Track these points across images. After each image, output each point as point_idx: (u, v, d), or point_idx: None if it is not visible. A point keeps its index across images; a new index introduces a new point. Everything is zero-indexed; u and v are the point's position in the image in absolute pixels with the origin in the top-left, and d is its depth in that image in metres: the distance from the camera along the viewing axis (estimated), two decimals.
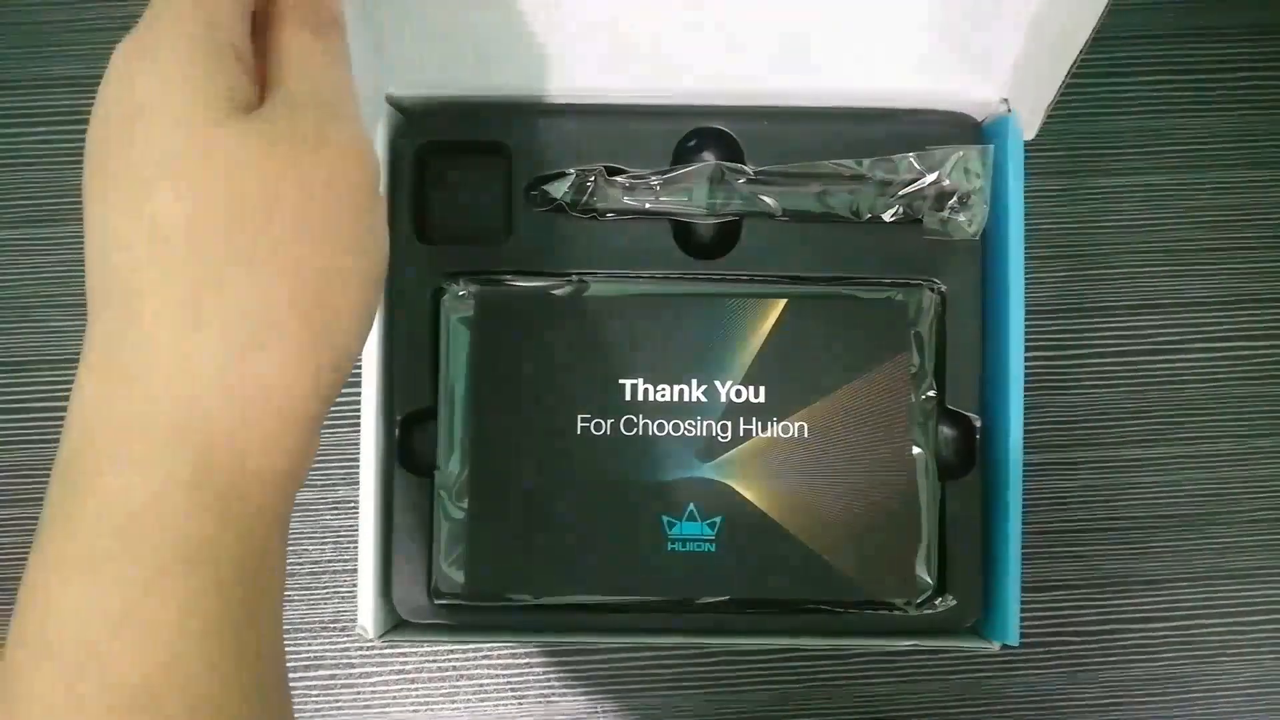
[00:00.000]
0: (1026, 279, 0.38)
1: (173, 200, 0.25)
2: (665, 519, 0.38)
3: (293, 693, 0.44)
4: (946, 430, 0.39)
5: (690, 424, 0.38)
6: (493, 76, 0.39)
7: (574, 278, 0.39)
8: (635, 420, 0.38)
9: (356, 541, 0.38)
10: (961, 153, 0.38)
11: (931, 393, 0.39)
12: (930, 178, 0.38)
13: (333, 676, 0.44)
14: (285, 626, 0.43)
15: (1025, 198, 0.38)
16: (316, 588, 0.44)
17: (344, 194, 0.27)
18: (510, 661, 0.44)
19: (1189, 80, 0.46)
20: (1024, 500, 0.38)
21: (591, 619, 0.38)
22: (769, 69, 0.38)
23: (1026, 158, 0.38)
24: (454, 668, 0.44)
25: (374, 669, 0.44)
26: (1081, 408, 0.45)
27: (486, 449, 0.38)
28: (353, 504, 0.44)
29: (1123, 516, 0.45)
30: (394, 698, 0.44)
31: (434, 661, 0.44)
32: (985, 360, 0.39)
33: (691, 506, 0.38)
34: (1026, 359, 0.38)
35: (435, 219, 0.40)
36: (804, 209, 0.39)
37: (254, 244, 0.25)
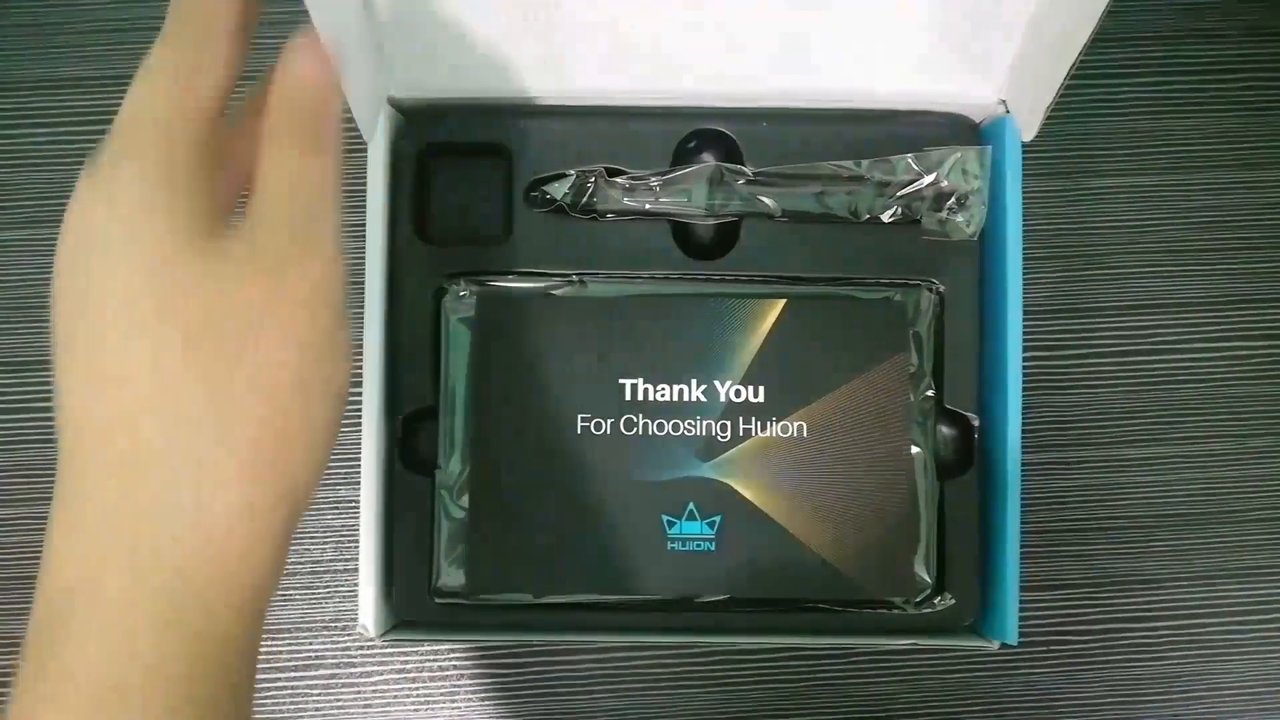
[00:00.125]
0: (1024, 279, 0.38)
1: (131, 343, 0.25)
2: (665, 518, 0.38)
3: (293, 692, 0.44)
4: (945, 430, 0.39)
5: (690, 424, 0.38)
6: (493, 78, 0.39)
7: (574, 278, 0.39)
8: (635, 420, 0.38)
9: (357, 541, 0.38)
10: (959, 154, 0.39)
11: (930, 392, 0.39)
12: (928, 179, 0.39)
13: (333, 675, 0.44)
14: (287, 625, 0.44)
15: (1023, 198, 0.38)
16: (317, 587, 0.44)
17: (309, 322, 0.27)
18: (510, 660, 0.44)
19: (1185, 82, 0.46)
20: (1022, 500, 0.38)
21: (591, 618, 0.38)
22: (768, 70, 0.38)
23: (1024, 159, 0.38)
24: (454, 667, 0.44)
25: (375, 668, 0.44)
26: (1079, 407, 0.45)
27: (487, 449, 0.38)
28: (354, 503, 0.44)
29: (1121, 516, 0.45)
30: (395, 697, 0.44)
31: (434, 660, 0.44)
32: (983, 360, 0.39)
33: (691, 506, 0.38)
34: (1024, 359, 0.38)
35: (436, 220, 0.40)
36: (803, 210, 0.39)
37: (215, 382, 0.25)
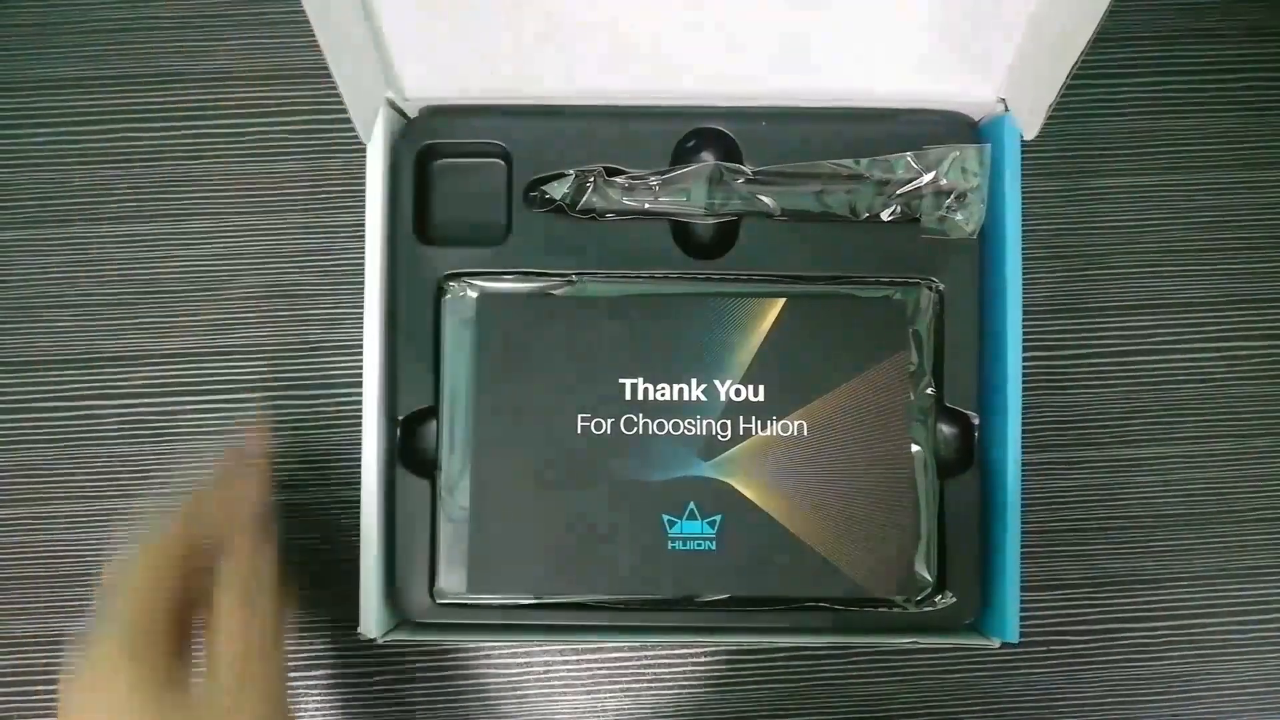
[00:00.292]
0: (1024, 279, 0.38)
1: None
2: (665, 518, 0.38)
3: (294, 693, 0.44)
4: (945, 428, 0.39)
5: (690, 423, 0.38)
6: (492, 78, 0.39)
7: (574, 278, 0.39)
8: (635, 419, 0.38)
9: (358, 541, 0.38)
10: (959, 152, 0.39)
11: (930, 391, 0.39)
12: (928, 177, 0.39)
13: (334, 676, 0.44)
14: (287, 626, 0.44)
15: (1022, 198, 0.38)
16: (318, 587, 0.44)
17: None
18: (511, 661, 0.44)
19: (1185, 81, 0.46)
20: (1022, 499, 0.38)
21: (592, 618, 0.38)
22: (768, 69, 0.39)
23: (1023, 158, 0.38)
24: (455, 667, 0.44)
25: (375, 668, 0.44)
26: (1079, 407, 0.45)
27: (487, 449, 0.38)
28: (354, 504, 0.44)
29: (1121, 515, 0.45)
30: (395, 697, 0.44)
31: (435, 661, 0.44)
32: (983, 358, 0.39)
33: (692, 505, 0.38)
34: (1024, 359, 0.38)
35: (436, 220, 0.41)
36: (802, 209, 0.39)
37: None
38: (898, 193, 0.39)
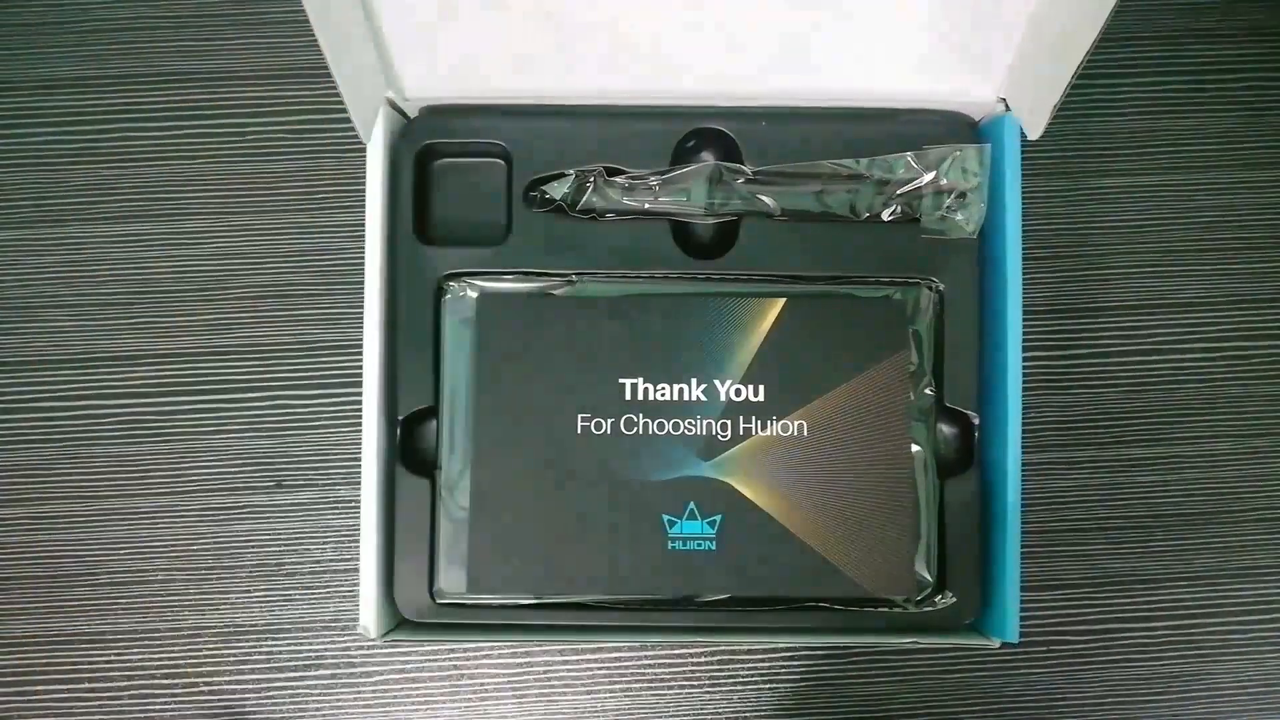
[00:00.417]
0: (1024, 278, 0.38)
1: None
2: (665, 518, 0.38)
3: (293, 692, 0.44)
4: (945, 428, 0.39)
5: (690, 423, 0.38)
6: (492, 78, 0.39)
7: (574, 278, 0.39)
8: (635, 419, 0.38)
9: (358, 541, 0.38)
10: (959, 152, 0.39)
11: (930, 391, 0.39)
12: (928, 177, 0.39)
13: (334, 676, 0.44)
14: (287, 625, 0.44)
15: (1023, 198, 0.38)
16: (317, 587, 0.44)
17: None
18: (511, 661, 0.44)
19: (1186, 81, 0.46)
20: (1022, 499, 0.38)
21: (592, 618, 0.38)
22: (768, 69, 0.39)
23: (1023, 158, 0.38)
24: (455, 667, 0.44)
25: (375, 668, 0.44)
26: (1079, 407, 0.45)
27: (487, 449, 0.38)
28: (354, 504, 0.44)
29: (1120, 515, 0.45)
30: (395, 697, 0.44)
31: (435, 660, 0.44)
32: (983, 358, 0.39)
33: (692, 505, 0.38)
34: (1025, 359, 0.38)
35: (435, 220, 0.41)
36: (802, 208, 0.39)
37: None
38: (898, 193, 0.39)
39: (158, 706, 0.44)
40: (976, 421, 0.39)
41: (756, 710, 0.44)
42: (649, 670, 0.44)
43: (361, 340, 0.38)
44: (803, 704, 0.44)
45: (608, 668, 0.44)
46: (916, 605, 0.38)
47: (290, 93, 0.45)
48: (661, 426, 0.38)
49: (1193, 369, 0.45)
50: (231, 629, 0.44)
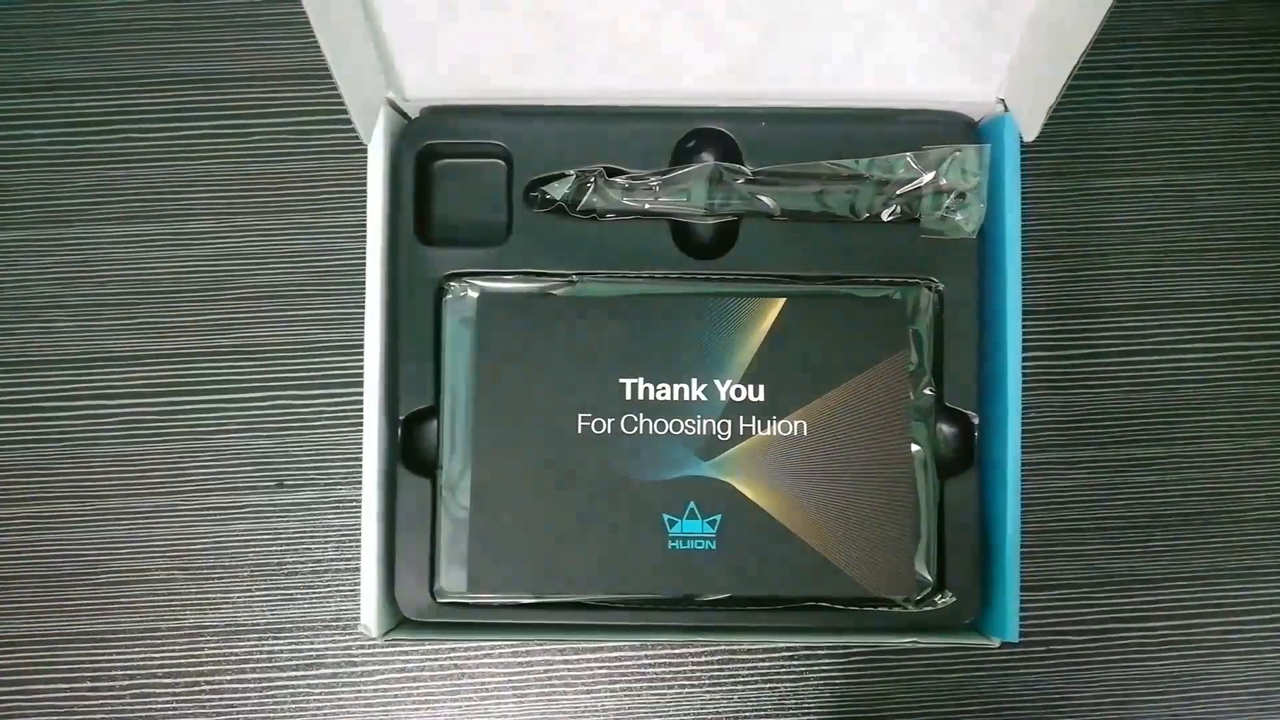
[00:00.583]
0: (1024, 279, 0.38)
1: None
2: (666, 517, 0.38)
3: (294, 691, 0.44)
4: (945, 428, 0.39)
5: (690, 423, 0.38)
6: (492, 78, 0.39)
7: (574, 278, 0.39)
8: (635, 419, 0.38)
9: (359, 541, 0.38)
10: (958, 152, 0.39)
11: (930, 390, 0.39)
12: (928, 177, 0.39)
13: (335, 675, 0.44)
14: (288, 625, 0.44)
15: (1022, 198, 0.38)
16: (318, 586, 0.44)
17: None
18: (512, 660, 0.44)
19: (1186, 81, 0.46)
20: (1022, 499, 0.38)
21: (592, 617, 0.38)
22: (768, 69, 0.39)
23: (1023, 158, 0.38)
24: (456, 666, 0.44)
25: (376, 667, 0.44)
26: (1079, 407, 0.45)
27: (488, 448, 0.38)
28: (355, 503, 0.44)
29: (1120, 515, 0.45)
30: (396, 696, 0.44)
31: (436, 660, 0.44)
32: (983, 358, 0.39)
33: (692, 505, 0.38)
34: (1025, 359, 0.38)
35: (436, 221, 0.41)
36: (802, 209, 0.39)
37: None
38: (898, 193, 0.39)
39: (158, 706, 0.44)
40: (976, 421, 0.39)
41: (756, 710, 0.44)
42: (649, 670, 0.44)
43: (362, 340, 0.38)
44: (802, 704, 0.44)
45: (608, 667, 0.44)
46: (916, 605, 0.38)
47: (292, 94, 0.46)
48: (661, 426, 0.38)
49: (1193, 369, 0.45)
50: (232, 629, 0.44)
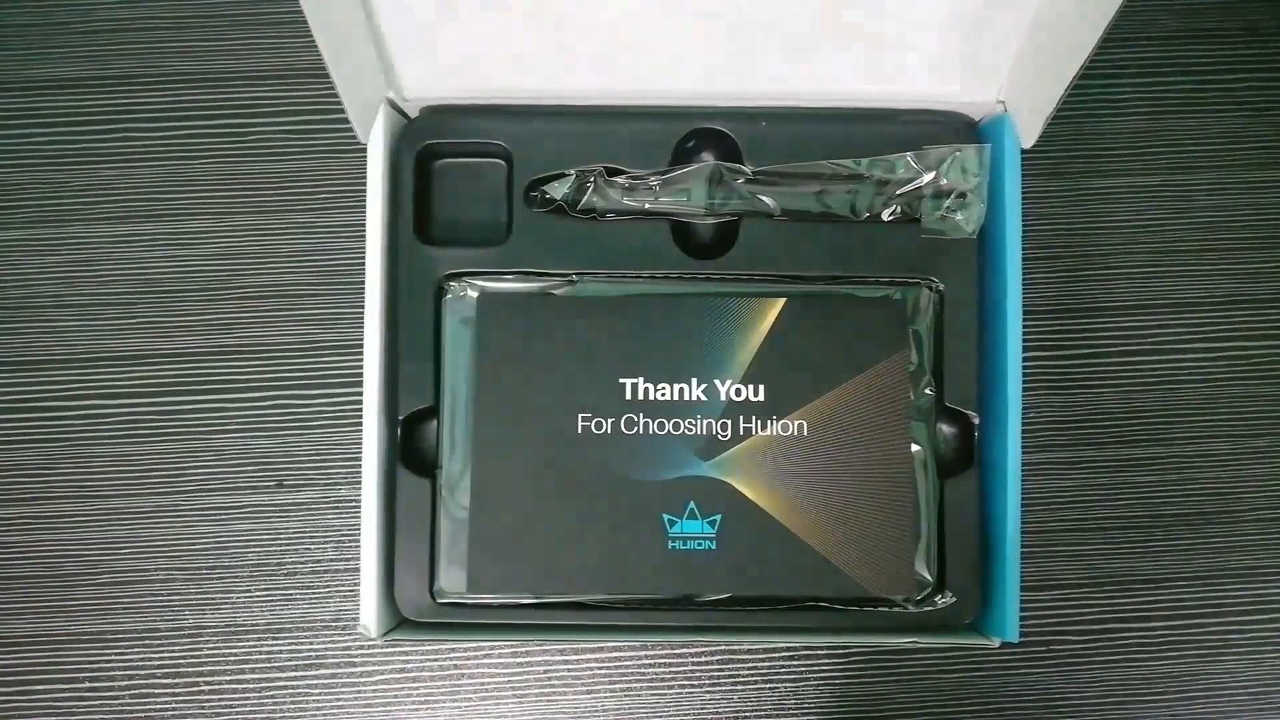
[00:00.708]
0: (1024, 278, 0.38)
1: None
2: (666, 517, 0.38)
3: (294, 691, 0.44)
4: (945, 428, 0.39)
5: (690, 423, 0.38)
6: (492, 78, 0.39)
7: (574, 278, 0.39)
8: (635, 419, 0.38)
9: (358, 541, 0.38)
10: (959, 152, 0.39)
11: (930, 390, 0.39)
12: (928, 177, 0.39)
13: (334, 675, 0.44)
14: (287, 625, 0.44)
15: (1023, 198, 0.38)
16: (318, 586, 0.44)
17: None
18: (511, 660, 0.44)
19: (1185, 82, 0.46)
20: (1022, 499, 0.38)
21: (592, 618, 0.38)
22: (768, 69, 0.39)
23: (1023, 158, 0.38)
24: (455, 666, 0.44)
25: (376, 668, 0.44)
26: (1079, 407, 0.45)
27: (488, 448, 0.38)
28: (355, 503, 0.44)
29: (1120, 515, 0.45)
30: (395, 696, 0.44)
31: (435, 660, 0.44)
32: (983, 358, 0.39)
33: (692, 505, 0.38)
34: (1025, 359, 0.38)
35: (436, 220, 0.41)
36: (802, 208, 0.39)
37: None
38: (898, 193, 0.39)
39: (158, 706, 0.44)
40: (976, 421, 0.39)
41: (756, 710, 0.44)
42: (649, 670, 0.44)
43: (362, 340, 0.38)
44: (803, 704, 0.44)
45: (608, 668, 0.44)
46: (916, 605, 0.38)
47: (292, 93, 0.46)
48: (662, 426, 0.38)
49: (1192, 369, 0.45)
50: (231, 629, 0.44)
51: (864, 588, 0.38)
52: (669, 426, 0.38)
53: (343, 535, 0.44)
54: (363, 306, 0.38)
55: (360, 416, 0.38)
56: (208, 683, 0.44)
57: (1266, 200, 0.46)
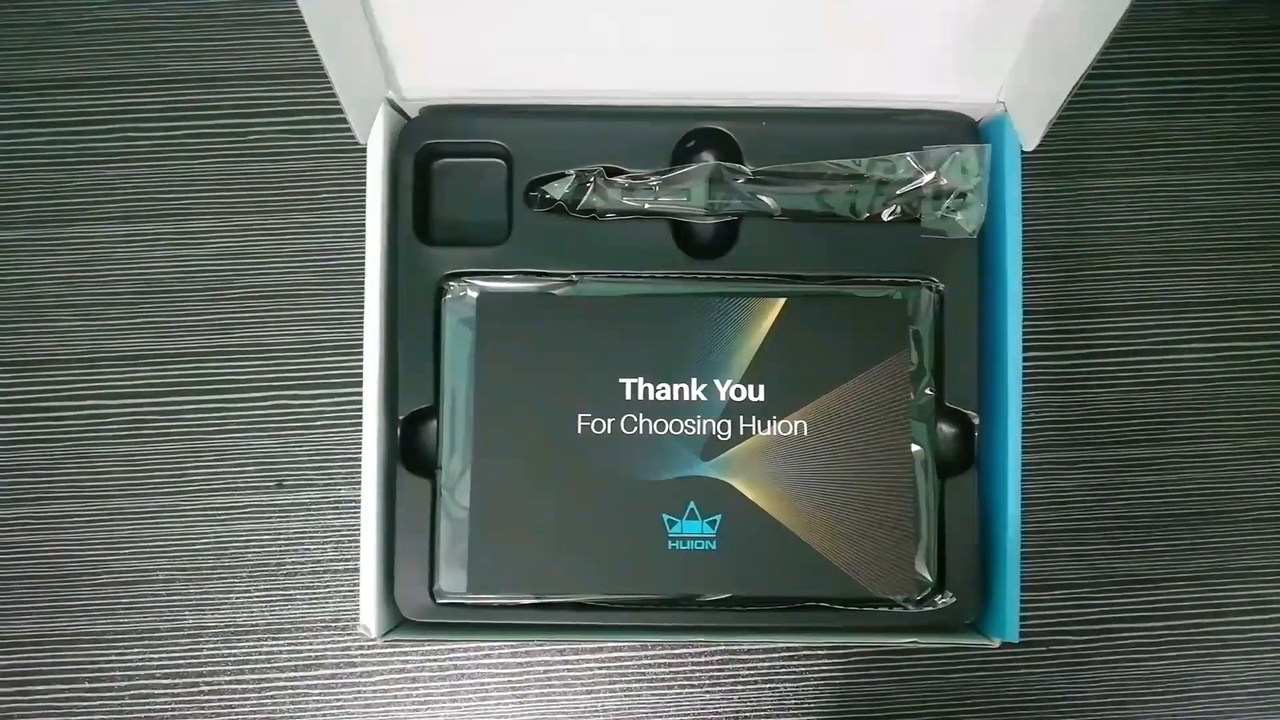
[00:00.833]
0: (1024, 278, 0.38)
1: None
2: (666, 518, 0.38)
3: (293, 691, 0.44)
4: (945, 428, 0.39)
5: (690, 423, 0.38)
6: (492, 78, 0.39)
7: (574, 278, 0.39)
8: (635, 419, 0.38)
9: (358, 541, 0.38)
10: (959, 152, 0.39)
11: (930, 390, 0.39)
12: (928, 177, 0.39)
13: (334, 675, 0.44)
14: (287, 625, 0.44)
15: (1022, 198, 0.38)
16: (318, 587, 0.44)
17: None
18: (511, 660, 0.44)
19: (1183, 82, 0.46)
20: (1022, 499, 0.38)
21: (592, 618, 0.38)
22: (768, 70, 0.39)
23: (1024, 159, 0.38)
24: (455, 667, 0.44)
25: (375, 668, 0.44)
26: (1079, 407, 0.45)
27: (487, 449, 0.38)
28: (355, 504, 0.44)
29: (1120, 515, 0.45)
30: (395, 697, 0.44)
31: (435, 660, 0.44)
32: (983, 358, 0.39)
33: (692, 505, 0.38)
34: (1025, 359, 0.38)
35: (436, 220, 0.41)
36: (802, 208, 0.39)
37: None
38: (898, 193, 0.39)
39: (158, 706, 0.44)
40: (976, 421, 0.39)
41: (756, 710, 0.44)
42: (649, 670, 0.44)
43: (362, 340, 0.38)
44: (803, 704, 0.44)
45: (608, 668, 0.44)
46: (916, 605, 0.38)
47: (292, 93, 0.46)
48: (661, 426, 0.38)
49: (1191, 369, 0.45)
50: (231, 629, 0.44)
51: (864, 588, 0.38)
52: (669, 426, 0.38)
53: (343, 535, 0.44)
54: (362, 306, 0.38)
55: (360, 416, 0.38)
56: (208, 683, 0.44)
57: (1265, 200, 0.46)
